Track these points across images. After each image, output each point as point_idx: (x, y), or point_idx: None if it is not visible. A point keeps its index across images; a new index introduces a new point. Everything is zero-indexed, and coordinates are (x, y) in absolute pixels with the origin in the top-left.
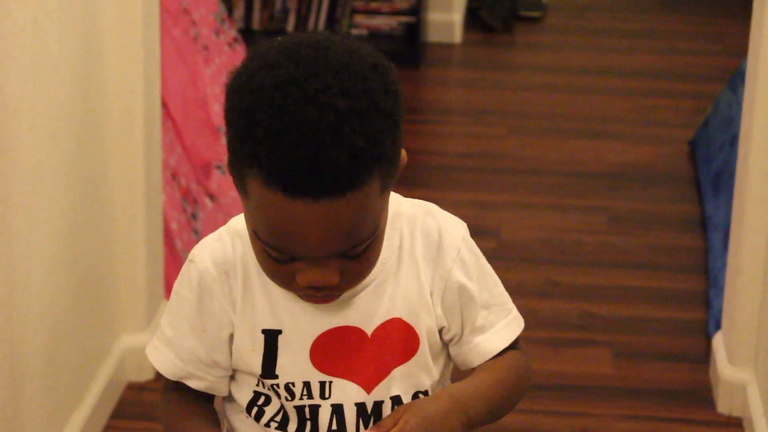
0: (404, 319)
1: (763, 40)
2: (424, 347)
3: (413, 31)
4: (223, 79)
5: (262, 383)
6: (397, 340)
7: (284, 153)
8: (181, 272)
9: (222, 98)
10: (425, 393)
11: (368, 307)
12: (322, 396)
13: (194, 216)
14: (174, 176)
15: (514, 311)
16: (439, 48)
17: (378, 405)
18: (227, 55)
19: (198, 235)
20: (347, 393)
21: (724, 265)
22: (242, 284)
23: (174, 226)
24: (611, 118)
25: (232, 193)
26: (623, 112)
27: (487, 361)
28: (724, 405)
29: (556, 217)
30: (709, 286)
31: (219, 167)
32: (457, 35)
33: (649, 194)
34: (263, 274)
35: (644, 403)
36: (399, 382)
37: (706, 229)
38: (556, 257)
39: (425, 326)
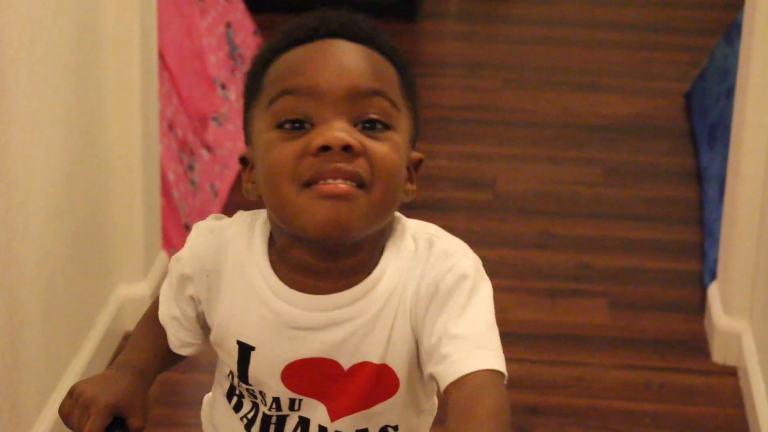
0: (388, 364)
1: None
2: (402, 390)
3: None
4: (219, 30)
5: (238, 381)
6: (375, 382)
7: (301, 23)
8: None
9: (218, 50)
10: (395, 428)
11: (349, 343)
12: (291, 408)
13: (191, 167)
14: (171, 127)
15: (496, 351)
16: (434, 1)
17: None
18: (222, 7)
19: (195, 186)
20: (316, 411)
21: (719, 216)
22: (224, 287)
23: (171, 176)
24: (607, 70)
25: (228, 144)
26: (619, 64)
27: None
28: (719, 354)
29: (552, 169)
30: (704, 237)
31: (215, 118)
32: None
33: (645, 146)
34: (246, 286)
35: (639, 352)
36: (366, 419)
37: (702, 181)
38: (552, 209)
39: (407, 369)
